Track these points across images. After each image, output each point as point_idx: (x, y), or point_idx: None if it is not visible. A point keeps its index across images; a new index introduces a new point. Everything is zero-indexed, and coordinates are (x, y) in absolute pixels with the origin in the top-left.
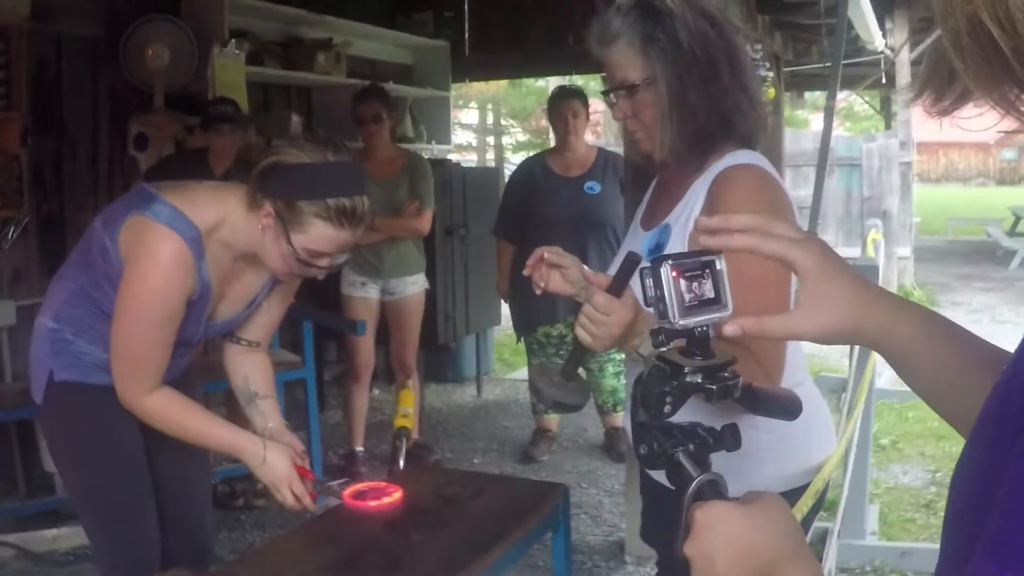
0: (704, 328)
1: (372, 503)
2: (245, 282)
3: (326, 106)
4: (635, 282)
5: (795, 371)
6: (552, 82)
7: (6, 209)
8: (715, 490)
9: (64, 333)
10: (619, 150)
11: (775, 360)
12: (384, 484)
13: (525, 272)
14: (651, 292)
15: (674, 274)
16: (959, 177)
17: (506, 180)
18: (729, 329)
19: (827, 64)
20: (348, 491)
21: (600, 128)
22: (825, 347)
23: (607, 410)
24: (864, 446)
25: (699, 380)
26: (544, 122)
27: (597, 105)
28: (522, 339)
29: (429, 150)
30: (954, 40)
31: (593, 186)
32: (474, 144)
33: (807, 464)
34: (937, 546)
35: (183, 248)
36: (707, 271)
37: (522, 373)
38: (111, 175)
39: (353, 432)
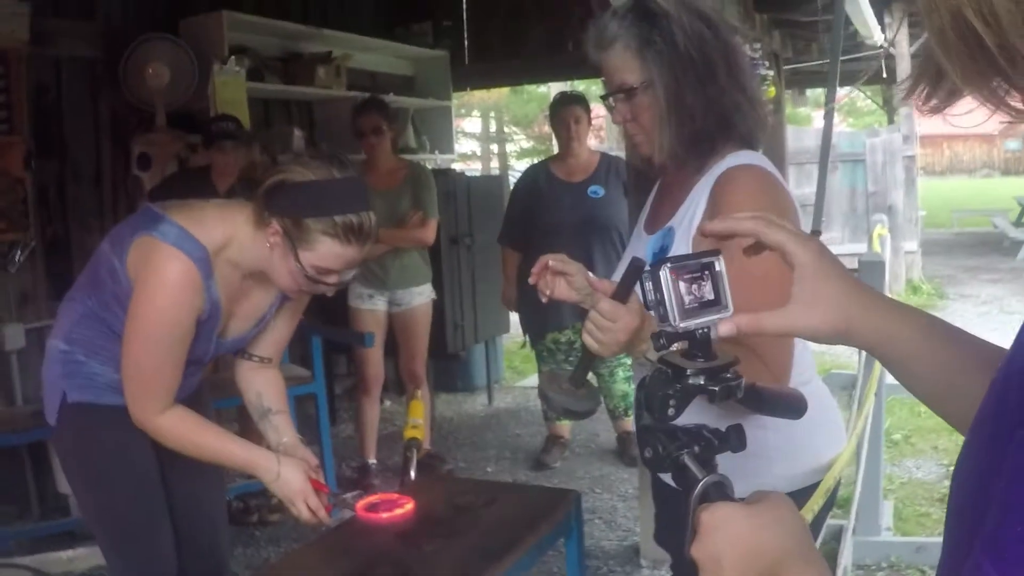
0: (705, 330)
1: (384, 515)
2: (254, 300)
3: (328, 120)
4: (638, 286)
5: (803, 370)
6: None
7: (12, 233)
8: (721, 491)
9: (76, 355)
10: (622, 154)
11: (781, 360)
12: (396, 496)
13: (530, 280)
14: (651, 296)
15: (673, 277)
16: (964, 169)
17: (510, 187)
18: (724, 328)
19: (827, 61)
20: (360, 504)
21: (603, 132)
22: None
23: (619, 415)
24: (876, 442)
25: (702, 382)
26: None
27: (599, 109)
28: (531, 346)
29: (432, 160)
30: (940, 38)
31: (597, 190)
32: (478, 152)
33: (817, 463)
34: None
35: (191, 268)
36: (706, 273)
37: (533, 380)
38: (115, 196)
39: (365, 444)
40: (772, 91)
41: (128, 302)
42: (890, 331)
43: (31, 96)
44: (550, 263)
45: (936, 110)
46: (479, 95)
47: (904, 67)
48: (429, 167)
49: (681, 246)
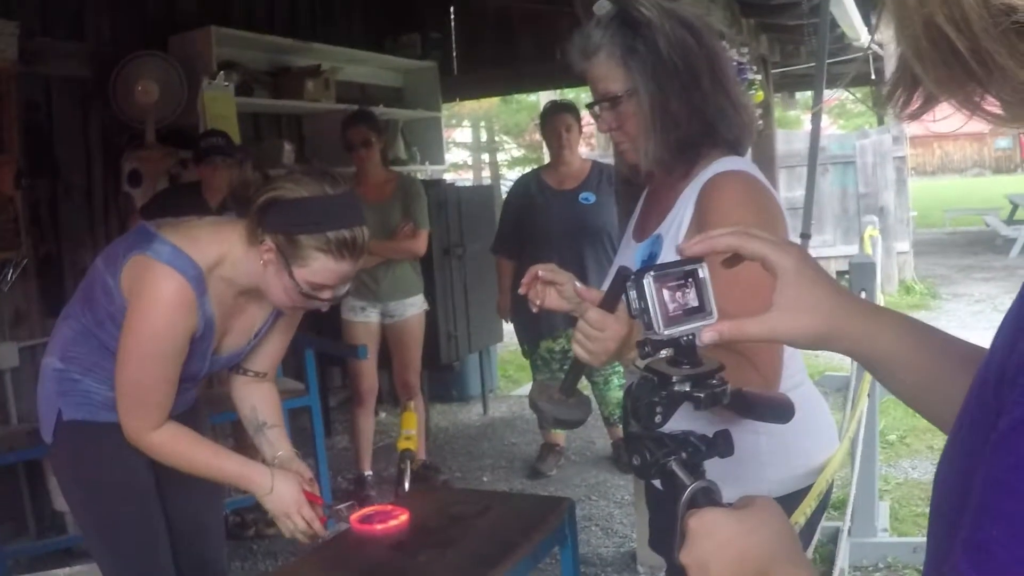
0: (690, 337)
1: (379, 527)
2: (248, 315)
3: (317, 133)
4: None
5: (793, 373)
6: (543, 96)
7: (4, 251)
8: (708, 497)
9: (71, 373)
10: (611, 161)
11: (772, 363)
12: (391, 507)
13: (520, 291)
14: (636, 304)
15: (657, 285)
16: (955, 168)
17: (502, 196)
18: (707, 335)
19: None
20: (355, 516)
21: (593, 140)
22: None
23: (613, 422)
24: (871, 443)
25: (687, 389)
26: (538, 136)
27: (590, 117)
28: (527, 355)
29: (423, 171)
30: (913, 46)
31: (588, 197)
32: (469, 162)
33: (809, 466)
34: None
35: (185, 287)
36: (690, 280)
37: (527, 389)
38: (107, 213)
39: (360, 456)
40: (760, 95)
41: (122, 319)
42: (870, 334)
43: (21, 115)
44: (540, 273)
45: (914, 116)
46: (469, 105)
47: (891, 68)
48: (420, 178)
49: (669, 253)
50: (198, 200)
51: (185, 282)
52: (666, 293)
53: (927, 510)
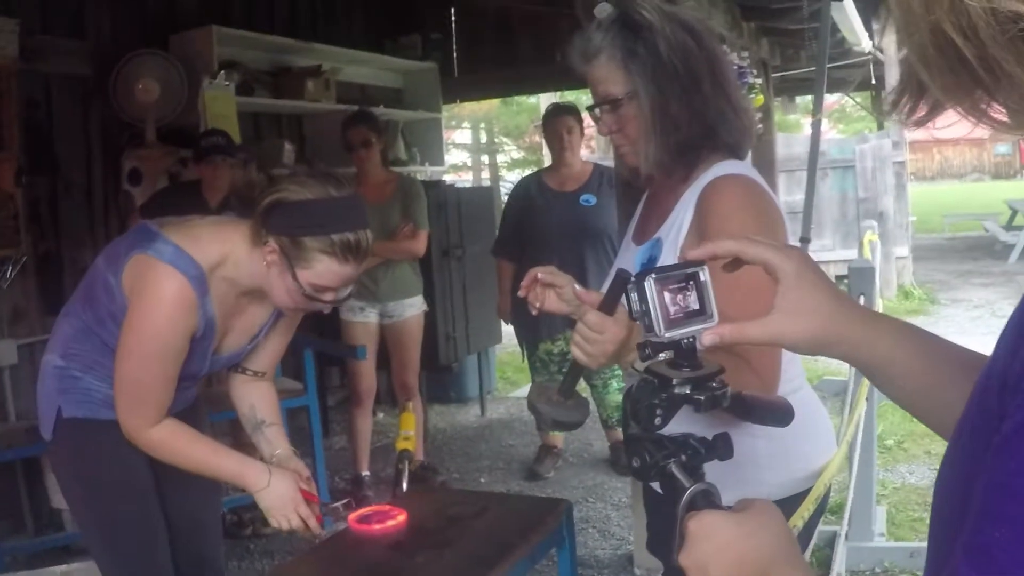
0: (690, 339)
1: (377, 526)
2: (249, 316)
3: (317, 133)
4: (624, 298)
5: (792, 378)
6: (544, 98)
7: (3, 248)
8: (708, 500)
9: (72, 370)
10: (611, 164)
11: (771, 367)
12: (388, 507)
13: (520, 293)
14: (637, 306)
15: (658, 287)
16: (954, 173)
17: (502, 198)
18: (707, 338)
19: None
20: (353, 515)
21: (592, 143)
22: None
23: (612, 425)
24: (869, 447)
25: (687, 391)
26: (538, 138)
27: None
28: (527, 357)
29: (423, 172)
30: (920, 53)
31: (589, 199)
32: (468, 164)
33: (807, 469)
34: None
35: (186, 287)
36: (691, 283)
37: (525, 391)
38: (106, 211)
39: (358, 457)
40: (760, 99)
41: (123, 318)
42: (868, 340)
43: (21, 112)
44: (539, 275)
45: (920, 124)
46: (469, 106)
47: (892, 73)
48: (419, 179)
49: (669, 257)
50: (198, 199)
51: (187, 282)
52: (667, 295)
53: (924, 515)
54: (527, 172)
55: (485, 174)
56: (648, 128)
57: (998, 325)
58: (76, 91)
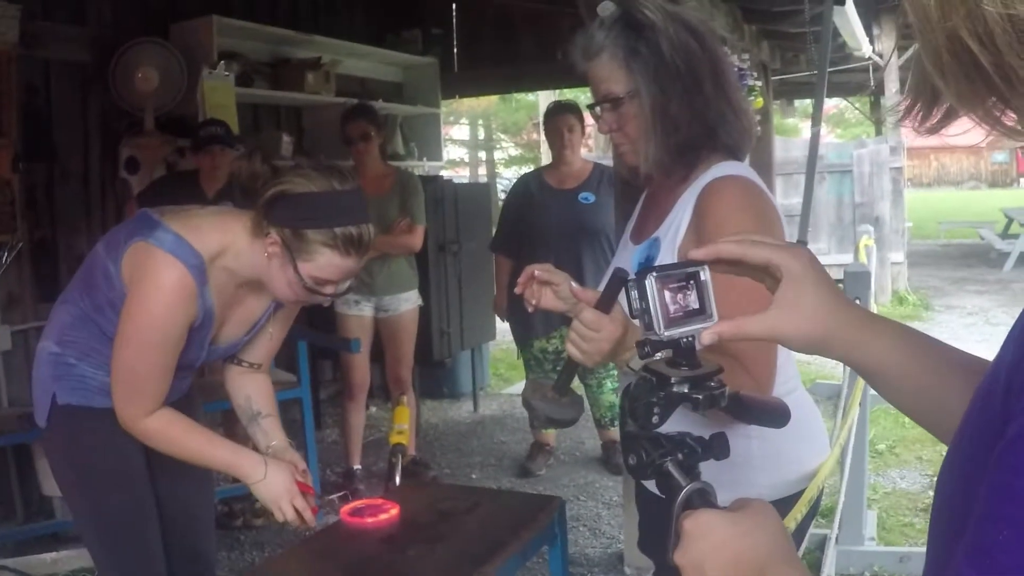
0: (690, 338)
1: (369, 520)
2: (248, 307)
3: (316, 125)
4: (622, 295)
5: (787, 379)
6: (543, 96)
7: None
8: (704, 499)
9: (67, 357)
10: (610, 162)
11: (765, 369)
12: (381, 501)
13: (516, 290)
14: (636, 304)
15: (658, 286)
16: (951, 181)
17: (498, 195)
18: (706, 337)
19: (815, 72)
20: (345, 508)
21: (591, 141)
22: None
23: (605, 424)
24: (861, 452)
25: (686, 390)
26: (536, 135)
27: (589, 118)
28: (520, 354)
29: (420, 167)
30: (934, 59)
31: (588, 196)
32: (466, 160)
33: (801, 471)
34: None
35: (186, 276)
36: (691, 282)
37: (518, 388)
38: (103, 198)
39: (350, 450)
40: (760, 102)
41: (121, 306)
42: (865, 342)
43: (20, 98)
44: (536, 273)
45: (932, 131)
46: (468, 102)
47: (892, 79)
48: (417, 174)
49: (667, 256)
50: (195, 189)
51: (186, 271)
52: (667, 294)
53: (914, 520)
54: (524, 169)
55: (482, 170)
56: (648, 127)
57: (992, 332)
58: (75, 78)
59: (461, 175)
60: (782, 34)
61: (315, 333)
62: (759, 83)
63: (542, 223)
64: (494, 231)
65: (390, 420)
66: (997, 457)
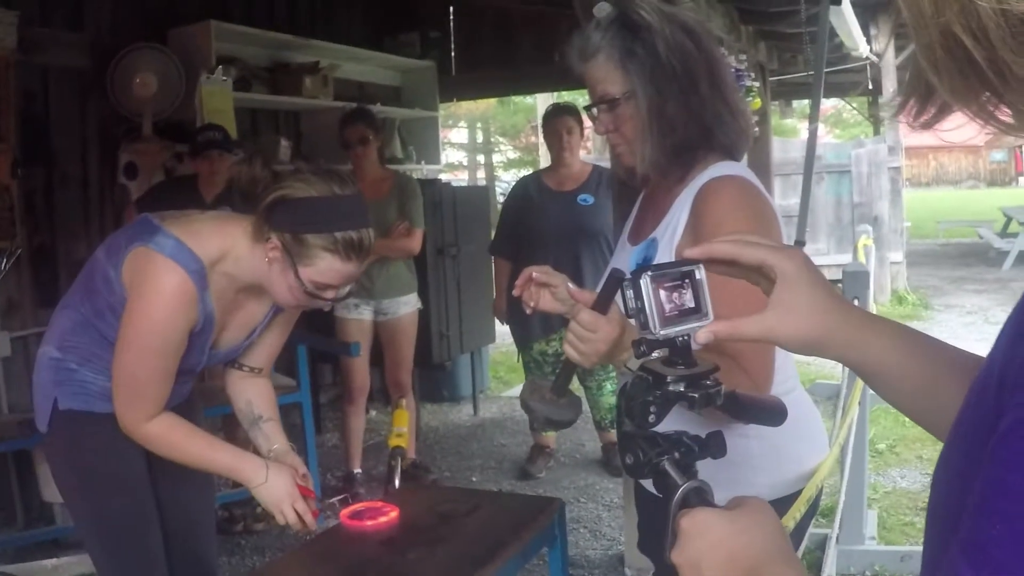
0: (685, 337)
1: (368, 523)
2: (248, 311)
3: (315, 130)
4: (619, 296)
5: (785, 379)
6: (541, 99)
7: None
8: (701, 497)
9: (68, 362)
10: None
11: (763, 368)
12: (380, 503)
13: (514, 292)
14: (632, 304)
15: (654, 285)
16: (949, 180)
17: (497, 198)
18: (701, 336)
19: (812, 72)
20: (345, 511)
21: (589, 143)
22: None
23: (604, 426)
24: (861, 451)
25: (682, 389)
26: (534, 138)
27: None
28: (521, 357)
29: (419, 170)
30: (928, 54)
31: (587, 198)
32: (464, 163)
33: (799, 471)
34: None
35: (186, 281)
36: (687, 281)
37: (518, 391)
38: (102, 204)
39: (350, 454)
40: (757, 103)
41: (122, 311)
42: (862, 341)
43: (19, 104)
44: (534, 275)
45: (927, 126)
46: (466, 106)
47: (890, 79)
48: (415, 177)
49: (664, 257)
50: (194, 194)
51: (187, 276)
52: (663, 293)
53: (915, 519)
54: (523, 172)
55: (481, 173)
56: (645, 128)
57: (991, 331)
58: (74, 84)
59: (460, 178)
60: (779, 35)
61: (315, 337)
62: (757, 84)
63: (541, 225)
64: (493, 234)
65: (390, 424)
66: (990, 452)
